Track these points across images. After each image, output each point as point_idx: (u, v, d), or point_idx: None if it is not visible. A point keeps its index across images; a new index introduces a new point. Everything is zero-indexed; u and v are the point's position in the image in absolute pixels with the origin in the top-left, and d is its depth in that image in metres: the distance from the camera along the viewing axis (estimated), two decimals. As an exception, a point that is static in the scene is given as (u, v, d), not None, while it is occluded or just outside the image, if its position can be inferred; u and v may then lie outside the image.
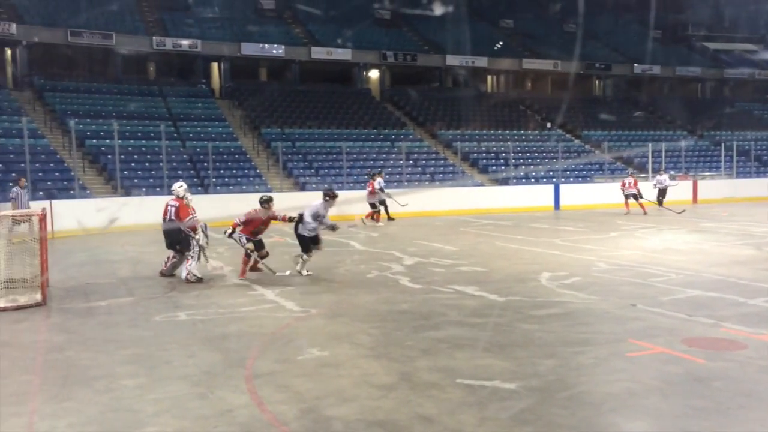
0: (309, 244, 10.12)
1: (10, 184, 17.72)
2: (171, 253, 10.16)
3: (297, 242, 10.36)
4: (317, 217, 10.04)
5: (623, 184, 20.99)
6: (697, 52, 45.51)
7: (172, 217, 9.89)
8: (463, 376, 5.15)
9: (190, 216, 9.93)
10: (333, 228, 10.21)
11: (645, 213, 20.00)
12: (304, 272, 10.07)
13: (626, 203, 20.55)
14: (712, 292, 8.17)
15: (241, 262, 10.17)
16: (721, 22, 45.75)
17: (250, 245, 10.01)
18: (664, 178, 22.22)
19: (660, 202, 21.81)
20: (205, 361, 5.72)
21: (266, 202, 10.16)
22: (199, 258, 9.83)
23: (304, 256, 10.15)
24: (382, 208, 19.27)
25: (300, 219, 10.06)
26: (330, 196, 10.20)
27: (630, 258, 11.12)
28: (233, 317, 7.37)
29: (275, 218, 10.20)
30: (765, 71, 43.89)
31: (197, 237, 9.81)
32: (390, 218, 19.41)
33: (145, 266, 11.58)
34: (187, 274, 9.65)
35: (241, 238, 10.03)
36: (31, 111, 25.41)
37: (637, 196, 20.30)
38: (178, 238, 9.89)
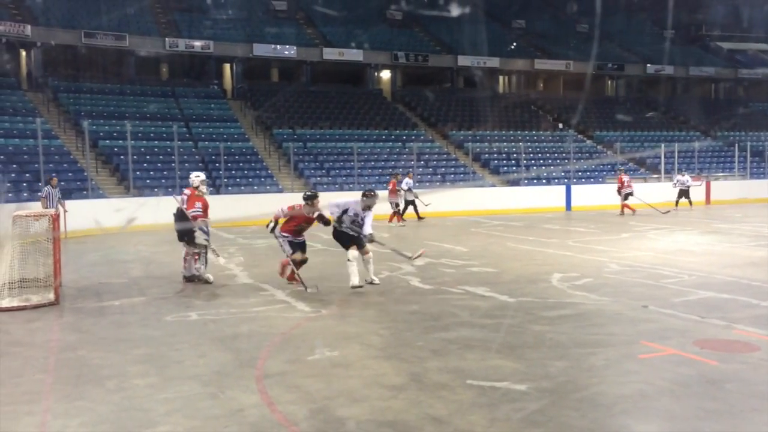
0: (354, 240, 9.03)
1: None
2: (184, 250, 9.73)
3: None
4: (354, 215, 9.02)
5: (622, 183, 20.50)
6: (711, 52, 45.16)
7: (182, 206, 9.62)
8: (474, 377, 5.13)
9: (196, 208, 9.45)
10: (369, 239, 9.03)
11: (621, 214, 19.88)
12: (375, 279, 9.21)
13: (626, 205, 20.30)
14: (725, 294, 8.10)
15: (281, 263, 9.45)
16: (736, 22, 45.35)
17: (297, 255, 9.11)
18: (686, 178, 21.91)
19: (676, 203, 21.66)
20: (216, 361, 5.75)
21: (310, 199, 9.14)
22: (206, 260, 9.58)
23: (364, 257, 9.10)
24: (410, 208, 19.27)
25: (338, 220, 9.12)
26: (368, 195, 9.11)
27: (642, 259, 11.05)
28: (244, 317, 7.39)
29: (316, 219, 9.22)
30: (780, 71, 43.48)
31: (196, 232, 9.40)
32: (420, 218, 19.41)
33: (157, 266, 11.65)
34: (197, 274, 9.52)
35: (284, 241, 9.14)
36: (45, 112, 25.65)
37: (628, 196, 20.12)
38: (184, 229, 9.50)
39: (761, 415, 4.32)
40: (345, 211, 9.07)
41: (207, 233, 9.52)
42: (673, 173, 24.24)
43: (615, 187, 20.99)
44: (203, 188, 9.81)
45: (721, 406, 4.45)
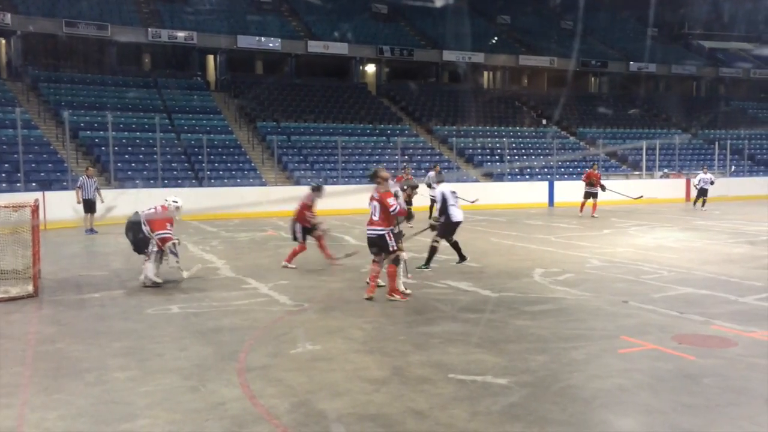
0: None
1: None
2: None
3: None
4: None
5: (597, 178, 18.86)
6: (693, 50, 45.62)
7: (147, 216, 8.88)
8: (456, 371, 5.16)
9: (166, 230, 8.83)
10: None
11: (581, 214, 18.69)
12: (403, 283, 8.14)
13: (587, 203, 18.78)
14: (704, 290, 8.21)
15: (321, 246, 10.41)
16: (717, 21, 45.82)
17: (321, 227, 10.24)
18: (708, 177, 21.58)
19: (695, 201, 21.54)
20: (198, 355, 5.72)
21: (316, 190, 10.40)
22: (161, 261, 8.91)
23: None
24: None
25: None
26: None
27: (623, 255, 11.16)
28: (226, 311, 7.36)
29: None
30: (760, 70, 44.02)
31: (166, 253, 8.88)
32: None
33: (139, 259, 11.49)
34: (144, 278, 8.85)
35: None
36: (24, 102, 25.30)
37: (596, 194, 18.62)
38: (137, 236, 8.93)
39: (738, 409, 4.39)
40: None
41: (176, 254, 8.92)
42: (700, 172, 22.70)
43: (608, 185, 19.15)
44: (178, 216, 9.27)
45: (699, 401, 4.51)
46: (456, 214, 10.11)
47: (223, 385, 4.92)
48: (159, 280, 8.81)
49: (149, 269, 8.79)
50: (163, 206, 9.08)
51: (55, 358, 5.69)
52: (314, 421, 4.26)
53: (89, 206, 15.69)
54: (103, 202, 15.80)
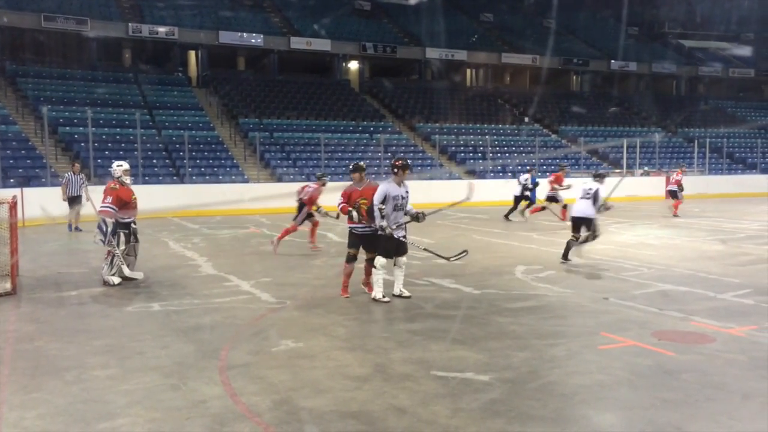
0: (388, 245, 7.58)
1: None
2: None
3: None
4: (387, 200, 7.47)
5: (560, 181, 16.72)
6: (673, 49, 46.08)
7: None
8: (437, 368, 5.17)
9: (106, 202, 8.44)
10: (417, 217, 7.83)
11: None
12: (380, 295, 7.54)
13: (548, 207, 16.92)
14: (683, 287, 8.31)
15: (312, 232, 10.55)
16: (697, 20, 46.37)
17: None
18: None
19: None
20: (179, 352, 5.67)
21: (321, 177, 11.42)
22: (112, 262, 8.53)
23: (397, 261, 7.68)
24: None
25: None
26: (400, 168, 7.59)
27: (603, 252, 11.25)
28: (208, 308, 7.31)
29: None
30: (738, 69, 44.60)
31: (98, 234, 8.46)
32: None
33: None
34: (103, 280, 8.54)
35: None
36: (2, 97, 24.94)
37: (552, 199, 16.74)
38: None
39: (716, 404, 4.45)
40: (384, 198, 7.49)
41: (104, 233, 8.44)
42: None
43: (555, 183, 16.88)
44: (126, 179, 8.73)
45: (678, 396, 4.56)
46: (584, 209, 10.13)
47: (204, 383, 4.88)
48: (114, 280, 8.46)
49: (105, 270, 8.54)
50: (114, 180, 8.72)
51: (34, 356, 5.61)
52: (296, 418, 4.25)
53: (75, 203, 15.10)
54: (89, 200, 14.64)
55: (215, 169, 23.53)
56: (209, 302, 7.61)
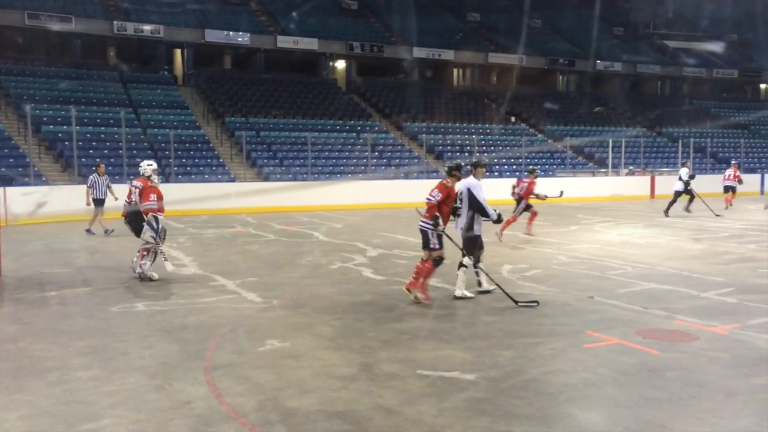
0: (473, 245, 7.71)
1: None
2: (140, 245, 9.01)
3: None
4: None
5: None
6: (657, 50, 46.43)
7: (135, 200, 8.96)
8: (424, 367, 5.17)
9: (150, 200, 8.83)
10: (498, 219, 7.86)
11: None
12: (464, 292, 7.59)
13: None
14: (667, 285, 8.37)
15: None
16: (681, 21, 46.73)
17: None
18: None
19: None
20: (163, 353, 5.64)
21: (533, 171, 13.05)
22: (155, 258, 8.88)
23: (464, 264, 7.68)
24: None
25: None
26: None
27: (589, 251, 11.32)
28: (193, 308, 7.27)
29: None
30: (722, 69, 45.01)
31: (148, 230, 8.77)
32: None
33: (104, 256, 11.36)
34: (140, 272, 8.82)
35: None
36: (-15, 95, 24.65)
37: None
38: (140, 224, 8.86)
39: (699, 403, 4.48)
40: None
41: (156, 230, 8.80)
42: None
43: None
44: (155, 178, 9.13)
45: (662, 394, 4.59)
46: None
47: (189, 384, 4.85)
48: (155, 275, 8.81)
49: (146, 264, 8.80)
50: (140, 179, 9.09)
51: (17, 357, 5.56)
52: (281, 419, 4.23)
53: (100, 205, 14.50)
54: (117, 199, 13.68)
55: (201, 168, 23.40)
56: (194, 302, 7.56)
